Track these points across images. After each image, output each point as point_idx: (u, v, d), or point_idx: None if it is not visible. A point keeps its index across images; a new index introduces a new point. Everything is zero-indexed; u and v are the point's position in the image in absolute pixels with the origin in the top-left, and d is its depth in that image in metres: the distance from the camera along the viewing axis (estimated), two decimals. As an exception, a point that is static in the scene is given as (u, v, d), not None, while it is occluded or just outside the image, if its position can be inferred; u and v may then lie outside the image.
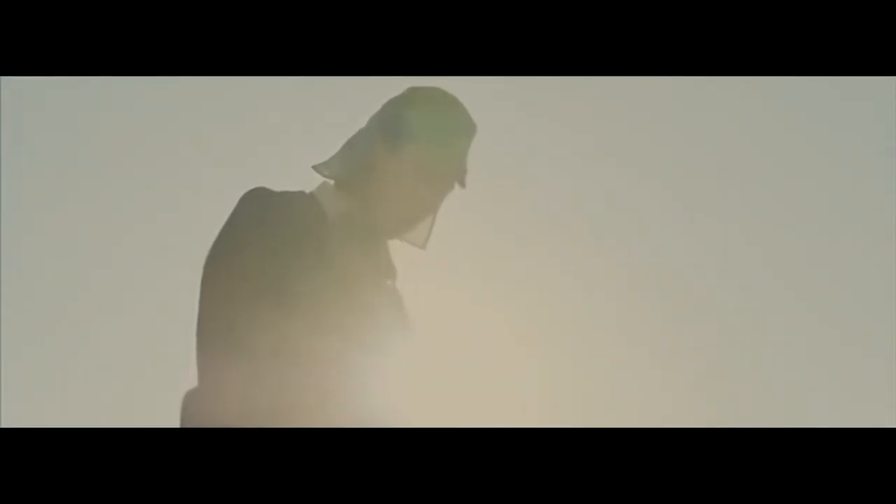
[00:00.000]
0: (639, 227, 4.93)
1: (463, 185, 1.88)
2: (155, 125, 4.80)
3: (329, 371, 1.71)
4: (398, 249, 1.95)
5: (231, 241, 1.75)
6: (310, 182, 1.94)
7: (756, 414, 4.69)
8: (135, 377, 4.70)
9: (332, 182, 1.89)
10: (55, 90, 4.59)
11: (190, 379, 1.73)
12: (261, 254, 1.73)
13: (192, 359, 1.73)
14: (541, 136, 4.84)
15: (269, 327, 1.68)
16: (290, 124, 4.62)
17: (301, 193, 1.86)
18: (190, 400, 1.76)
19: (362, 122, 1.94)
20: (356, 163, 1.86)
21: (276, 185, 1.86)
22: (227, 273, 1.72)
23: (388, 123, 1.86)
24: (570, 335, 4.82)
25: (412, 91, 1.88)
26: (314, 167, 1.91)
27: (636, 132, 4.94)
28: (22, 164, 4.65)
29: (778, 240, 4.98)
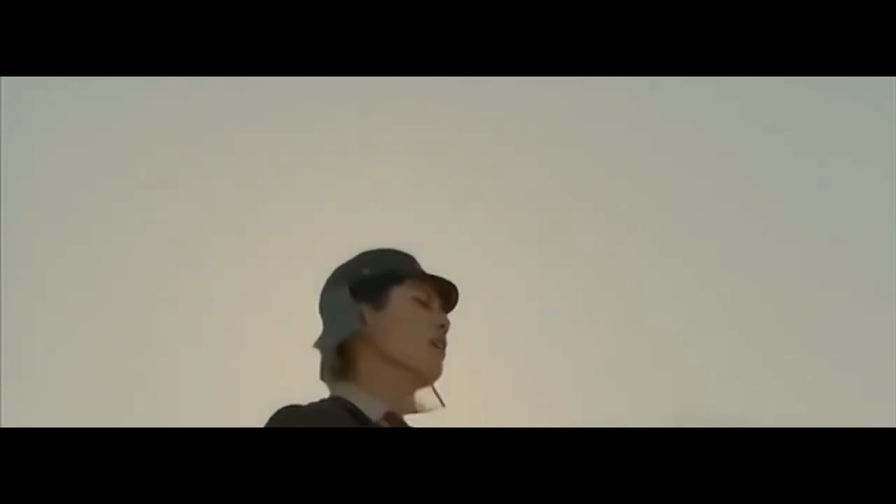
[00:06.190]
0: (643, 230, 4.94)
1: (450, 308, 1.90)
2: (155, 125, 4.80)
3: None
4: None
5: None
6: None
7: (756, 413, 4.69)
8: (134, 377, 4.70)
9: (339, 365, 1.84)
10: (55, 90, 4.60)
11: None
12: None
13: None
14: (543, 139, 4.84)
15: None
16: (293, 124, 4.63)
17: (330, 407, 1.75)
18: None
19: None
20: (359, 346, 1.83)
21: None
22: None
23: (361, 289, 1.84)
24: (574, 338, 4.83)
25: (358, 254, 1.89)
26: (315, 346, 1.85)
27: (636, 133, 4.94)
28: (22, 163, 4.65)
29: (777, 240, 4.98)
